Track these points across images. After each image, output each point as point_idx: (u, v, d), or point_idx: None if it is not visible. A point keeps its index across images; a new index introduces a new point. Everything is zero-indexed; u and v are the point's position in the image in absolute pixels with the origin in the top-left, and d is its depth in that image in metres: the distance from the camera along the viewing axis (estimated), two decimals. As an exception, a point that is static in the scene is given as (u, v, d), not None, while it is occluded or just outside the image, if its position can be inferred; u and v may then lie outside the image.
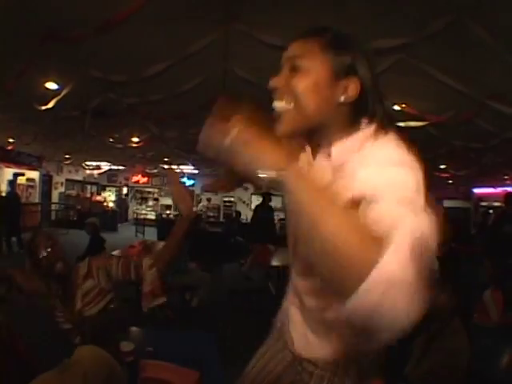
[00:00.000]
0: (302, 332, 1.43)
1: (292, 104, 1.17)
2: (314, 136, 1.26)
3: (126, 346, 2.16)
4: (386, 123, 1.18)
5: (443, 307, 3.39)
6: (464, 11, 3.15)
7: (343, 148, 1.18)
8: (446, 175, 12.80)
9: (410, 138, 1.10)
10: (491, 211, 15.93)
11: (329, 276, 0.94)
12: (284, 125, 1.17)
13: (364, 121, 1.18)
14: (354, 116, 1.18)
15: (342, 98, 1.16)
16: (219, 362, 2.64)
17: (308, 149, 1.33)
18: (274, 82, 1.19)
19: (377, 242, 0.86)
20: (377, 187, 0.98)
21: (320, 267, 0.97)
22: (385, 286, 0.82)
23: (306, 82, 1.16)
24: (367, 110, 1.18)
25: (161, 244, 7.81)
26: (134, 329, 2.28)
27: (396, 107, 5.76)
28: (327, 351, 1.35)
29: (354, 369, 1.35)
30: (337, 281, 0.90)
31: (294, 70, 1.17)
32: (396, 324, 0.84)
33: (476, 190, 18.45)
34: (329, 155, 1.22)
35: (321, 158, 1.26)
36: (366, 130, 1.16)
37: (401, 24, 3.48)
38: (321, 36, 1.18)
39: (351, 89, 1.16)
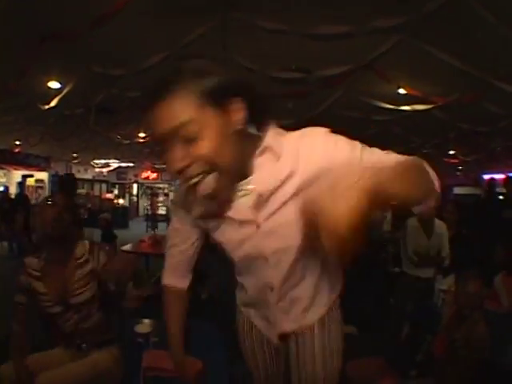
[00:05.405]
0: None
1: (212, 170, 1.05)
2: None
3: (141, 328, 2.18)
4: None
5: (474, 294, 3.34)
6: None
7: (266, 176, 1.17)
8: (455, 161, 12.66)
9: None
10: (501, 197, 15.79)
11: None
12: (215, 191, 1.07)
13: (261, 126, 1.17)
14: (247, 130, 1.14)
15: (234, 127, 1.07)
16: (224, 349, 2.64)
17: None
18: (177, 165, 1.03)
19: None
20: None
21: None
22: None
23: (208, 140, 1.03)
24: (258, 118, 1.16)
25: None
26: (144, 320, 2.31)
27: (401, 90, 5.68)
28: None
29: None
30: None
31: (186, 139, 1.02)
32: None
33: (486, 176, 18.26)
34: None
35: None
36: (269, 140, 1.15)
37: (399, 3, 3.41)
38: (188, 87, 1.01)
39: (236, 113, 1.07)
